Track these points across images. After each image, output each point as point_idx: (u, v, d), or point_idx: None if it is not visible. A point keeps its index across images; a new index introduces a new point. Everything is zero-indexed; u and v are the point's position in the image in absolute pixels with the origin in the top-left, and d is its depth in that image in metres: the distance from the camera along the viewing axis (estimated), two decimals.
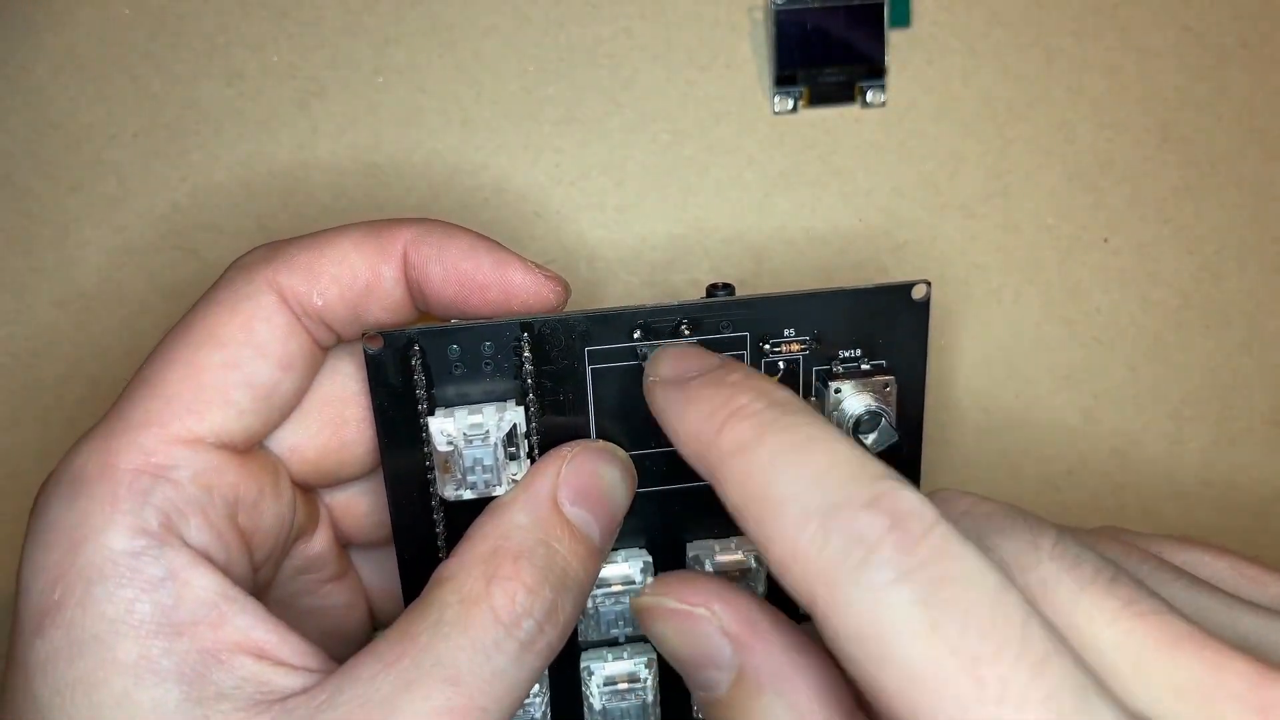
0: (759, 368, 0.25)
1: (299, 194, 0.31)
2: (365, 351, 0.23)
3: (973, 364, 0.33)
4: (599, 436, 0.25)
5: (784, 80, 0.31)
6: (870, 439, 0.24)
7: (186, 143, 0.31)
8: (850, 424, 0.24)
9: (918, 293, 0.24)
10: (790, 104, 0.32)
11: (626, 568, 0.26)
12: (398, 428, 0.24)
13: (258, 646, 0.20)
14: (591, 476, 0.23)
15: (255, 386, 0.22)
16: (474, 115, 0.32)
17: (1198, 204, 0.33)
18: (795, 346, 0.24)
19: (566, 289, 0.24)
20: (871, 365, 0.25)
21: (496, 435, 0.23)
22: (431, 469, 0.24)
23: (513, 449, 0.24)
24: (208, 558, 0.21)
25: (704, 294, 0.25)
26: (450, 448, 0.23)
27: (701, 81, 0.32)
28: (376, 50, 0.32)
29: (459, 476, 0.23)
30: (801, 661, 0.20)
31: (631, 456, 0.25)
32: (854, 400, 0.25)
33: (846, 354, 0.25)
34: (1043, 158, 0.32)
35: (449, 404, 0.24)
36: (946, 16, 0.32)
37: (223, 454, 0.22)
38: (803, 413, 0.19)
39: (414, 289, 0.24)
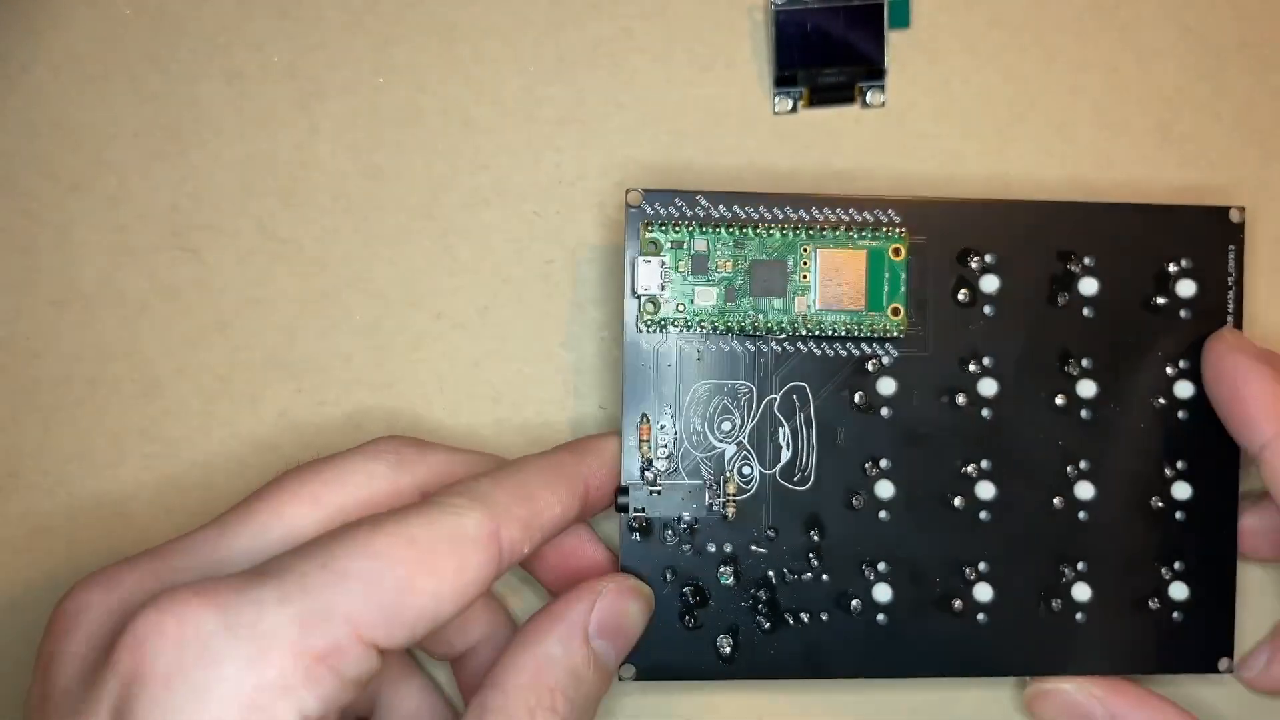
0: None
1: (299, 194, 0.31)
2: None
3: None
4: None
5: (784, 81, 0.31)
6: None
7: (186, 142, 0.31)
8: None
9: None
10: (790, 104, 0.32)
11: None
12: None
13: None
14: (619, 613, 0.26)
15: (438, 621, 0.22)
16: (474, 115, 0.32)
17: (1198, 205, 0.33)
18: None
19: None
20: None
21: None
22: None
23: None
24: None
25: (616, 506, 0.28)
26: None
27: (701, 82, 0.32)
28: (377, 50, 0.32)
29: None
30: None
31: None
32: None
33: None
34: (1042, 158, 0.32)
35: None
36: (946, 17, 0.32)
37: (379, 656, 0.22)
38: None
39: (587, 511, 0.27)
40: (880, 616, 0.29)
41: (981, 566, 0.29)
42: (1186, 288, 0.30)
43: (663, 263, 0.28)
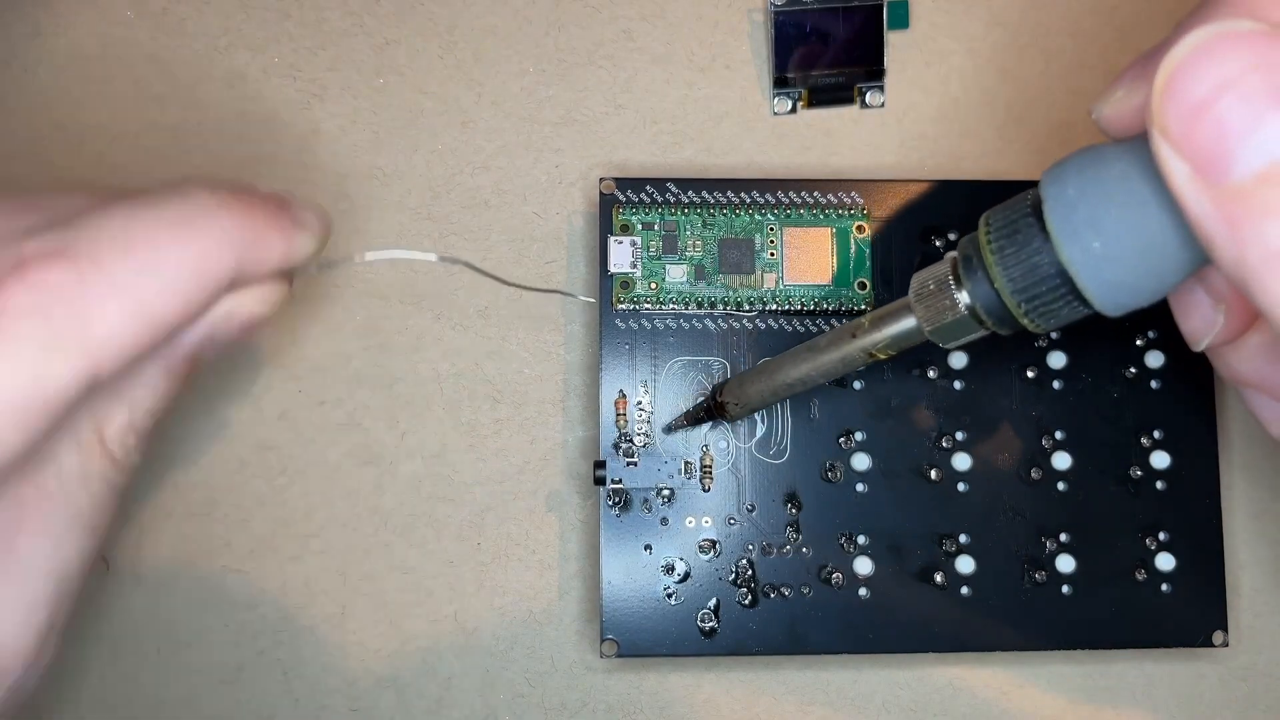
0: None
1: (300, 195, 0.31)
2: None
3: None
4: None
5: (783, 82, 0.32)
6: None
7: (188, 144, 0.31)
8: None
9: None
10: (789, 105, 0.32)
11: None
12: None
13: None
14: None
15: None
16: (474, 116, 0.32)
17: None
18: None
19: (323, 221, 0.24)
20: None
21: None
22: None
23: None
24: None
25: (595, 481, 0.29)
26: None
27: (701, 83, 0.32)
28: (377, 52, 0.32)
29: None
30: None
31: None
32: None
33: None
34: (1041, 159, 0.32)
35: None
36: (945, 18, 0.33)
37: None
38: None
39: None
40: (862, 590, 0.29)
41: (962, 538, 0.29)
42: None
43: (634, 243, 0.29)
